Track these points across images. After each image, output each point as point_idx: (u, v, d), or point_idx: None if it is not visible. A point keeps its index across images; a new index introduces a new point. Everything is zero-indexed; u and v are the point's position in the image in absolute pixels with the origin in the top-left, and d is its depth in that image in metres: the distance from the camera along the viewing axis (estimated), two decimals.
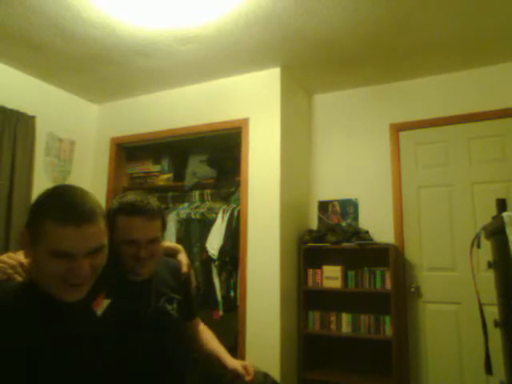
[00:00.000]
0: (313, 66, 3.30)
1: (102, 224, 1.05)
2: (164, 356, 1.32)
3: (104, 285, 1.20)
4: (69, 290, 1.02)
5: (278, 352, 2.95)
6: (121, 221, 1.38)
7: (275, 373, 2.91)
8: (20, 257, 1.13)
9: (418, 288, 3.22)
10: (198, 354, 1.64)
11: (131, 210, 1.37)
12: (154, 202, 1.45)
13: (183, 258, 1.65)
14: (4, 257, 1.13)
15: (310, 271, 3.28)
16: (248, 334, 3.06)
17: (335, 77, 3.48)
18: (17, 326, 0.96)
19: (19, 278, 1.08)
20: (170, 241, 3.28)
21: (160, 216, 1.45)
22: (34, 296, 1.02)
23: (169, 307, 1.49)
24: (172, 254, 1.65)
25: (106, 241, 1.07)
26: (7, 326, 0.94)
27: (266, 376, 1.69)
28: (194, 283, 1.73)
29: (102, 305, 1.21)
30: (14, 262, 1.11)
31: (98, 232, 1.04)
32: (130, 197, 1.43)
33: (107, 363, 1.08)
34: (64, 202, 1.01)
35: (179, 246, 1.72)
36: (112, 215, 1.39)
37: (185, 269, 1.61)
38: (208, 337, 1.68)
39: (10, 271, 1.09)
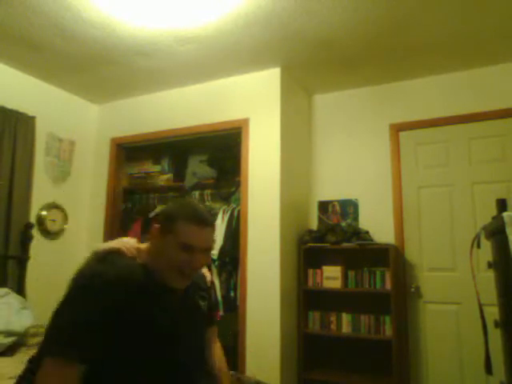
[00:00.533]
0: (313, 66, 3.30)
1: (214, 231, 1.40)
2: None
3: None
4: (180, 279, 1.31)
5: (278, 352, 2.95)
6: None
7: (275, 373, 2.91)
8: (134, 242, 1.40)
9: (418, 288, 3.21)
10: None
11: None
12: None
13: (206, 273, 1.70)
14: (125, 240, 1.39)
15: (310, 271, 3.28)
16: (248, 333, 3.06)
17: (335, 77, 3.48)
18: (137, 285, 1.28)
19: (138, 260, 1.33)
20: None
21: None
22: (150, 274, 1.32)
23: (202, 303, 1.58)
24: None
25: (213, 244, 1.48)
26: (134, 283, 1.27)
27: None
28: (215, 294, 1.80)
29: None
30: (134, 246, 1.37)
31: (213, 236, 1.38)
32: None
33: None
34: (193, 209, 1.36)
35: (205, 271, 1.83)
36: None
37: (209, 278, 1.69)
38: (220, 356, 1.67)
39: (134, 252, 1.34)
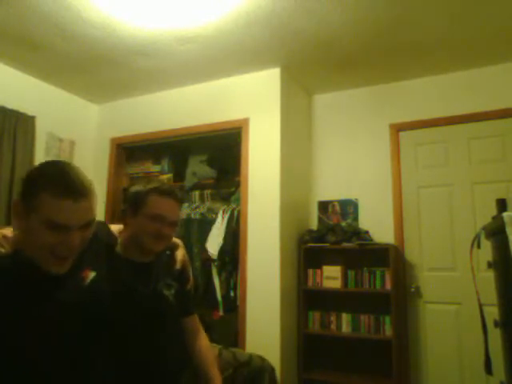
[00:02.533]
0: (313, 66, 3.30)
1: (94, 200, 1.12)
2: (156, 347, 1.41)
3: (90, 258, 1.27)
4: (55, 262, 1.07)
5: (278, 352, 2.95)
6: (153, 199, 1.51)
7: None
8: (4, 230, 1.17)
9: (418, 288, 3.21)
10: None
11: (164, 191, 1.54)
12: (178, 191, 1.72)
13: (179, 254, 1.68)
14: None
15: (310, 271, 3.28)
16: (248, 333, 3.05)
17: (335, 77, 3.48)
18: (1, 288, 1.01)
19: (2, 250, 1.10)
20: None
21: (182, 204, 1.68)
22: (19, 264, 1.07)
23: (167, 292, 1.54)
24: (170, 248, 1.68)
25: (95, 216, 1.14)
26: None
27: (263, 360, 1.74)
28: (191, 280, 1.73)
29: (88, 277, 1.25)
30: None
31: (91, 207, 1.10)
32: (160, 182, 1.68)
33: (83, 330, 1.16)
34: (62, 177, 1.06)
35: (179, 242, 1.75)
36: (143, 193, 1.52)
37: (178, 265, 1.65)
38: (206, 348, 1.63)
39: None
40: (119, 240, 1.51)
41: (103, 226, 1.53)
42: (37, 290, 1.09)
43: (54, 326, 1.09)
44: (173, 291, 1.56)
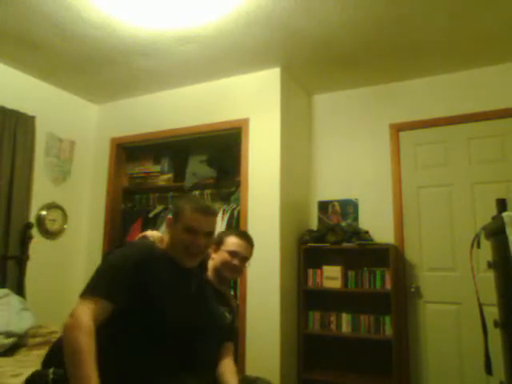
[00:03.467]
0: (313, 66, 3.30)
1: (216, 220, 1.68)
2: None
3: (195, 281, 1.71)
4: (188, 257, 1.56)
5: (278, 352, 2.95)
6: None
7: (275, 373, 2.91)
8: (158, 233, 1.69)
9: (418, 288, 3.21)
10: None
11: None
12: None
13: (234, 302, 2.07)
14: (154, 232, 1.68)
15: (310, 271, 3.28)
16: (248, 334, 3.06)
17: (335, 77, 3.48)
18: (158, 262, 1.52)
19: (160, 246, 1.59)
20: None
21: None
22: (168, 256, 1.58)
23: (228, 316, 1.88)
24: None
25: (215, 231, 1.66)
26: (154, 260, 1.51)
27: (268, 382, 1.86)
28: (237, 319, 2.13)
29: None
30: (159, 236, 1.65)
31: (214, 223, 1.65)
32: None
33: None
34: (198, 201, 1.73)
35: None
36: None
37: (236, 302, 2.07)
38: (232, 371, 1.78)
39: (159, 243, 1.60)
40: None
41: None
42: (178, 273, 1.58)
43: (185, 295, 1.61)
44: (231, 316, 1.91)
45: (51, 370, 1.44)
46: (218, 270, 1.89)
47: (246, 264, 1.99)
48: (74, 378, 1.20)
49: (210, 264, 1.91)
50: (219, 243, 1.93)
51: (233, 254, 1.89)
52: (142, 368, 1.43)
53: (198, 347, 1.66)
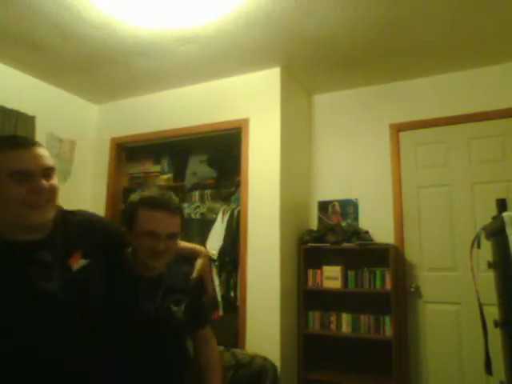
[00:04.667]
0: (313, 66, 3.30)
1: (46, 151, 1.22)
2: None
3: (82, 244, 1.30)
4: (34, 211, 1.13)
5: (278, 352, 2.95)
6: (142, 213, 1.43)
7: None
8: None
9: (417, 288, 3.21)
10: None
11: (154, 203, 1.43)
12: (175, 198, 1.50)
13: (199, 263, 1.64)
14: None
15: (310, 271, 3.28)
16: (248, 334, 3.05)
17: (335, 77, 3.48)
18: None
19: None
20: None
21: (180, 213, 1.50)
22: None
23: (174, 308, 1.49)
24: (192, 256, 1.65)
25: (54, 164, 1.23)
26: None
27: (265, 359, 1.73)
28: (207, 292, 1.68)
29: (78, 263, 1.26)
30: None
31: (46, 155, 1.20)
32: (153, 191, 1.50)
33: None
34: (12, 136, 1.28)
35: (202, 250, 1.70)
36: (133, 207, 1.45)
37: (194, 274, 1.61)
38: (213, 360, 1.60)
39: None
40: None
41: (113, 223, 1.60)
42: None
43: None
44: (182, 307, 1.51)
45: None
46: (139, 259, 1.45)
47: (176, 240, 1.49)
48: None
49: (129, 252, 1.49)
50: (130, 222, 1.44)
51: (152, 234, 1.40)
52: None
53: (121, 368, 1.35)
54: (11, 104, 3.29)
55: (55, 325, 1.15)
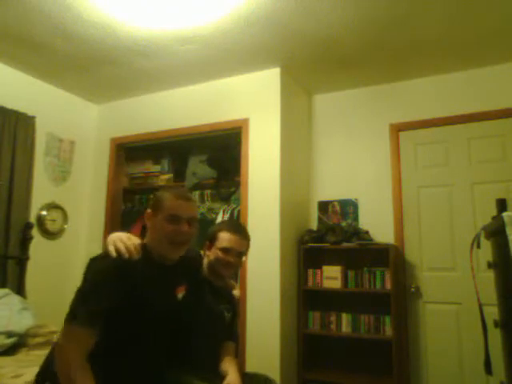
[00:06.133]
0: (313, 66, 3.30)
1: (197, 208, 1.71)
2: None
3: (188, 280, 1.69)
4: (173, 248, 1.52)
5: (278, 352, 2.95)
6: (224, 237, 1.86)
7: (275, 373, 2.91)
8: (135, 239, 1.54)
9: (417, 288, 3.21)
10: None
11: (236, 229, 1.92)
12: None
13: (237, 293, 2.05)
14: (124, 237, 1.51)
15: (310, 271, 3.28)
16: (248, 333, 3.06)
17: (335, 77, 3.48)
18: (135, 267, 1.45)
19: (136, 256, 1.46)
20: None
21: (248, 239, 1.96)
22: (146, 255, 1.51)
23: (227, 315, 1.86)
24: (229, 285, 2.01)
25: (197, 216, 1.65)
26: (130, 266, 1.44)
27: (266, 380, 1.83)
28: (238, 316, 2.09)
29: (181, 292, 1.64)
30: (134, 243, 1.50)
31: (196, 209, 1.64)
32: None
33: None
34: (177, 188, 1.78)
35: (235, 284, 2.08)
36: (216, 231, 1.90)
37: (237, 294, 2.03)
38: (233, 366, 1.79)
39: (133, 251, 1.46)
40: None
41: (198, 252, 1.91)
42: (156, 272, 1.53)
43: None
44: (230, 314, 1.88)
45: None
46: (213, 268, 1.83)
47: (243, 258, 1.91)
48: None
49: (205, 261, 1.86)
50: (212, 239, 1.85)
51: (226, 250, 1.81)
52: (133, 368, 1.45)
53: (193, 346, 1.66)
54: (11, 104, 3.29)
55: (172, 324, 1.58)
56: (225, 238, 1.82)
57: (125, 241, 1.48)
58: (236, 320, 1.98)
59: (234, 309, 1.96)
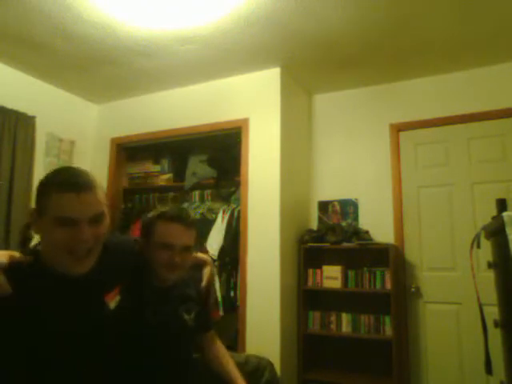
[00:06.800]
0: (313, 66, 3.30)
1: (99, 194, 1.16)
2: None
3: (122, 281, 1.31)
4: (74, 262, 1.10)
5: (278, 352, 2.95)
6: (159, 226, 1.48)
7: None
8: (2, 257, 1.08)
9: (418, 288, 3.21)
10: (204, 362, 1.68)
11: (171, 217, 1.49)
12: (190, 213, 1.63)
13: (207, 271, 1.70)
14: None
15: (310, 271, 3.28)
16: (248, 333, 3.05)
17: (335, 77, 3.48)
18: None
19: (6, 292, 1.03)
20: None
21: (195, 227, 1.56)
22: (39, 270, 1.10)
23: (186, 317, 1.55)
24: (199, 264, 1.71)
25: (105, 210, 1.17)
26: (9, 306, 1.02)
27: (259, 358, 1.79)
28: (214, 297, 1.74)
29: (114, 299, 1.26)
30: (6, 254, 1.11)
31: (96, 200, 1.14)
32: (170, 207, 1.59)
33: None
34: (64, 176, 1.13)
35: (207, 258, 1.77)
36: (151, 221, 1.51)
37: (204, 283, 1.67)
38: (223, 353, 1.70)
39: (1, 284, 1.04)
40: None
41: (132, 243, 1.54)
42: (57, 294, 1.12)
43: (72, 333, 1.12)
44: (193, 315, 1.57)
45: None
46: (154, 270, 1.46)
47: (192, 254, 1.54)
48: None
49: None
50: (147, 234, 1.48)
51: (168, 246, 1.43)
52: None
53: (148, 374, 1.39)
54: (11, 104, 3.29)
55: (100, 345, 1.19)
56: (163, 231, 1.46)
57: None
58: (207, 309, 1.70)
59: (202, 299, 1.64)
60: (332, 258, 3.31)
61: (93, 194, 1.13)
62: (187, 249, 1.49)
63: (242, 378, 1.61)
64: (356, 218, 3.46)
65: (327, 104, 3.76)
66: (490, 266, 1.80)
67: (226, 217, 3.44)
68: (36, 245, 1.18)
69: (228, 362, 1.66)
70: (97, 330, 1.17)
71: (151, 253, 1.47)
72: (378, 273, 3.12)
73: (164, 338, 1.47)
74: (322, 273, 3.25)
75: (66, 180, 1.12)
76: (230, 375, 1.61)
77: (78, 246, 1.09)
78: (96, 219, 1.13)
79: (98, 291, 1.21)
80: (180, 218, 1.49)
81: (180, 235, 1.47)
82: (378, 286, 3.10)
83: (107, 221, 1.18)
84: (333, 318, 3.21)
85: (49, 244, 1.10)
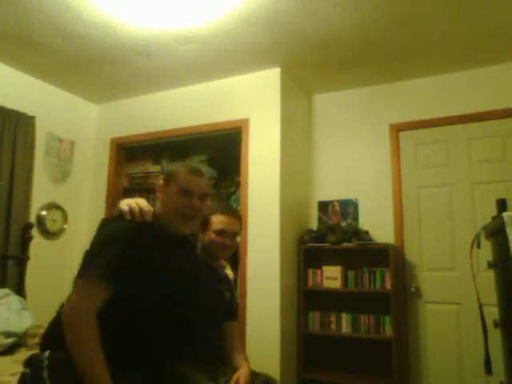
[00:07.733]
0: (313, 66, 3.30)
1: (208, 183, 1.66)
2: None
3: (192, 255, 1.72)
4: (183, 223, 1.53)
5: (278, 352, 2.95)
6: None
7: (275, 373, 2.90)
8: (148, 205, 1.54)
9: (418, 288, 3.21)
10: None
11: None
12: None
13: (229, 271, 2.06)
14: (139, 201, 1.51)
15: (310, 271, 3.28)
16: (248, 333, 3.05)
17: (335, 77, 3.48)
18: (152, 234, 1.47)
19: (149, 220, 1.48)
20: None
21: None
22: (160, 227, 1.51)
23: (226, 294, 1.91)
24: (221, 265, 2.02)
25: (209, 193, 1.65)
26: (147, 232, 1.45)
27: (267, 380, 1.83)
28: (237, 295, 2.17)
29: (188, 266, 1.64)
30: (147, 206, 1.52)
31: (206, 185, 1.63)
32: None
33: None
34: (190, 164, 1.83)
35: (225, 263, 2.08)
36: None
37: (231, 275, 2.05)
38: (238, 347, 1.92)
39: (146, 214, 1.48)
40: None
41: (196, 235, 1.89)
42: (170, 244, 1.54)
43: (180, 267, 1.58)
44: (229, 294, 1.94)
45: (46, 355, 1.35)
46: (207, 251, 1.87)
47: (238, 239, 1.98)
48: (85, 374, 1.24)
49: (199, 244, 1.88)
50: (205, 224, 1.89)
51: (221, 232, 1.87)
52: (139, 348, 1.39)
53: (198, 331, 1.64)
54: (11, 104, 3.29)
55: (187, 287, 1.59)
56: (219, 220, 1.88)
57: (139, 203, 1.49)
58: (235, 298, 2.04)
59: (232, 287, 2.01)
60: (332, 258, 3.31)
61: (205, 180, 1.63)
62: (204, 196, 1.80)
63: (243, 357, 1.82)
64: (356, 218, 3.46)
65: (327, 104, 3.76)
66: (490, 266, 1.80)
67: None
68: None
69: (238, 346, 1.90)
70: (194, 266, 1.65)
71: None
72: (377, 273, 3.12)
73: (213, 302, 1.80)
74: (321, 273, 3.25)
75: (193, 167, 1.63)
76: (238, 361, 1.80)
77: (189, 210, 1.52)
78: (204, 196, 1.58)
79: (191, 247, 1.71)
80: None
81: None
82: (378, 286, 3.10)
83: (209, 202, 1.65)
84: (333, 318, 3.21)
85: (169, 205, 1.54)
